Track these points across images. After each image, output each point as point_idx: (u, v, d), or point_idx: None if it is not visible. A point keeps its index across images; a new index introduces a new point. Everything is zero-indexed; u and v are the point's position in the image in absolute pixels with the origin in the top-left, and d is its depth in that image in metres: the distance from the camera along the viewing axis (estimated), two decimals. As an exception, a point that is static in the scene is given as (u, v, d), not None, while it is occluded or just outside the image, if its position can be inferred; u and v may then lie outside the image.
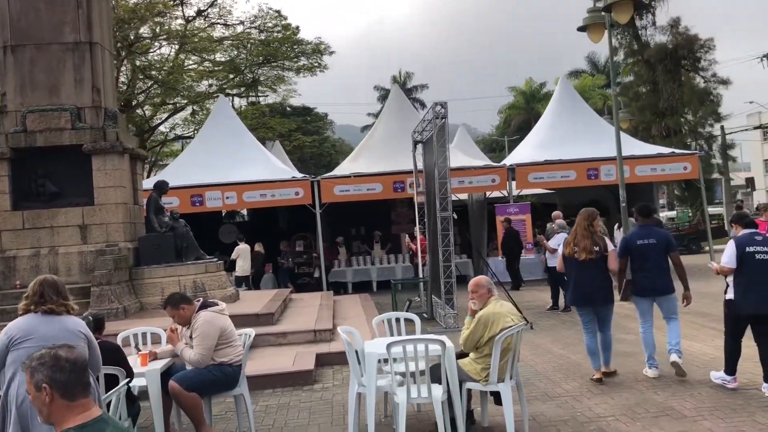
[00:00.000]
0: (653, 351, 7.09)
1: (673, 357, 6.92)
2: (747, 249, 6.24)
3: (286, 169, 19.08)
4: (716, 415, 5.67)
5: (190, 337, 5.66)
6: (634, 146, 18.81)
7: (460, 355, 5.66)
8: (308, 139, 39.49)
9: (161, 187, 12.11)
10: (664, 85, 28.09)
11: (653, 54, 28.31)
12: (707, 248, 20.88)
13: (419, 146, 13.76)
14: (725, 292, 6.51)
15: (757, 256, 6.21)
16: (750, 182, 39.11)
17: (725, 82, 28.57)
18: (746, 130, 47.08)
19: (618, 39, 29.37)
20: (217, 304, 5.82)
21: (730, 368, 6.45)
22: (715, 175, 31.29)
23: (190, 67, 30.14)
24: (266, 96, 34.58)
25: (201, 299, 5.94)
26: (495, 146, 54.10)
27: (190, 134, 30.43)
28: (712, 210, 29.51)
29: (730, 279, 6.41)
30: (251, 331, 6.18)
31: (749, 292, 6.19)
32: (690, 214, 30.13)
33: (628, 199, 14.86)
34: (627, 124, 24.57)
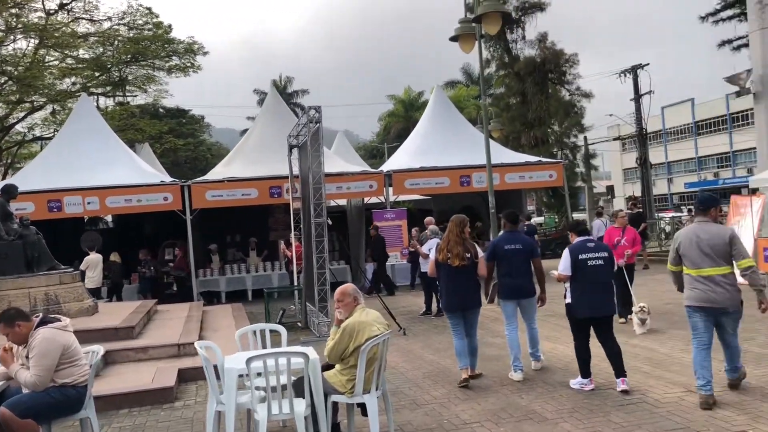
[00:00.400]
0: (519, 353, 7.29)
1: (534, 365, 7.55)
2: (580, 256, 6.61)
3: (155, 173, 18.12)
4: (575, 416, 5.83)
5: (27, 357, 5.11)
6: (504, 155, 19.48)
7: (327, 367, 5.48)
8: (181, 142, 37.95)
9: (9, 192, 11.10)
10: (532, 96, 29.43)
11: (523, 67, 29.59)
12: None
13: (295, 150, 13.51)
14: (564, 297, 6.83)
15: (590, 263, 6.59)
16: (610, 190, 41.76)
17: (588, 95, 30.37)
18: (607, 140, 50.44)
19: (490, 51, 30.52)
20: (60, 320, 5.30)
21: (583, 371, 6.71)
22: (579, 183, 33.11)
23: (50, 63, 28.17)
24: (135, 96, 32.99)
25: (40, 315, 5.39)
26: (375, 153, 54.66)
27: (50, 135, 28.40)
28: (576, 216, 31.16)
29: (568, 284, 6.73)
30: (99, 348, 5.67)
31: (584, 297, 6.57)
32: (556, 220, 31.65)
33: (498, 205, 15.28)
34: (498, 133, 25.51)
